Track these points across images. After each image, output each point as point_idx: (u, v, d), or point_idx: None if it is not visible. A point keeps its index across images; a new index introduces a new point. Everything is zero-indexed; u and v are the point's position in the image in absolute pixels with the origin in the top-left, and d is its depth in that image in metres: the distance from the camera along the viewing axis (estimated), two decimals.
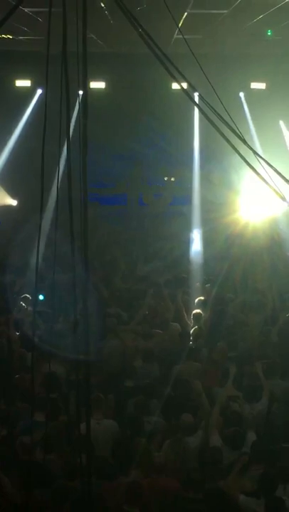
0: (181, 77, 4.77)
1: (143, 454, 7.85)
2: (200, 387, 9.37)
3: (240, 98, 23.72)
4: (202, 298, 13.12)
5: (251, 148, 4.95)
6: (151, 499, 7.29)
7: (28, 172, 19.58)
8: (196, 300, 13.07)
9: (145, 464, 7.74)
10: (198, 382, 9.54)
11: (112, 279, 14.75)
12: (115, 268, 15.75)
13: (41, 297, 10.60)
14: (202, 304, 12.85)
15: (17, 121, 23.57)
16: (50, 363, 7.85)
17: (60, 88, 3.92)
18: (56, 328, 10.18)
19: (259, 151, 18.08)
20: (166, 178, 26.37)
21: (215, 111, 5.10)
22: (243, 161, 4.85)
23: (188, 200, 24.28)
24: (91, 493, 4.27)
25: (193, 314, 12.40)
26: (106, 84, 22.60)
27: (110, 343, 11.23)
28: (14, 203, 23.42)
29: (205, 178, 24.54)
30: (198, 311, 12.47)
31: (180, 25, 13.79)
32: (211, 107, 5.07)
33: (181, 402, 9.29)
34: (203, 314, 12.39)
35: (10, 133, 23.64)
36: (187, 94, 5.04)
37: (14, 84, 22.72)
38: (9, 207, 23.09)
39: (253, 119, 23.54)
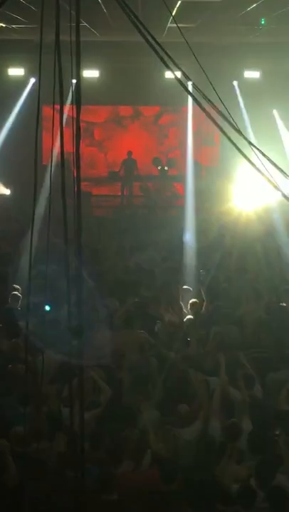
0: (174, 65, 4.75)
1: (136, 445, 7.87)
2: (199, 377, 9.37)
3: (233, 87, 23.72)
4: (195, 287, 13.09)
5: (245, 138, 4.93)
6: (132, 490, 7.29)
7: (21, 161, 19.55)
8: (191, 289, 13.04)
9: (138, 456, 7.76)
10: (196, 371, 9.55)
11: (104, 270, 14.71)
12: (107, 258, 15.73)
13: (47, 308, 10.47)
14: (197, 294, 12.84)
15: (10, 109, 23.53)
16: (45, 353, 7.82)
17: (54, 77, 3.89)
18: (48, 319, 10.13)
19: (252, 139, 18.06)
20: (159, 167, 26.38)
21: (208, 100, 5.09)
22: (236, 149, 4.83)
23: (181, 189, 24.35)
24: (84, 484, 4.26)
25: (190, 304, 12.40)
26: (100, 73, 22.56)
27: (102, 334, 11.18)
28: (7, 192, 23.38)
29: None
30: (194, 300, 12.47)
31: (174, 13, 13.74)
32: (205, 95, 5.05)
33: (177, 392, 9.29)
34: (199, 303, 12.39)
35: (3, 122, 23.60)
36: (180, 83, 5.02)
37: (7, 72, 22.65)
38: (2, 196, 23.05)
39: (246, 107, 23.57)
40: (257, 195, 17.69)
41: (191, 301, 12.45)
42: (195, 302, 12.43)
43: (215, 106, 5.15)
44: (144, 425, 8.31)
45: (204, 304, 12.39)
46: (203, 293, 12.66)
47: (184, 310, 12.45)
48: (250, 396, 9.18)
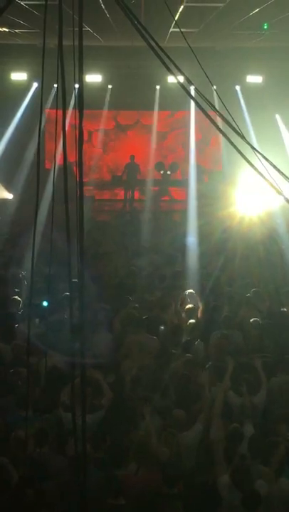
0: (176, 70, 4.75)
1: (138, 448, 7.87)
2: (203, 380, 9.37)
3: (236, 91, 23.77)
4: (192, 291, 13.02)
5: (248, 142, 4.93)
6: (134, 493, 7.29)
7: (24, 165, 19.59)
8: (188, 294, 12.96)
9: (142, 458, 7.76)
10: (201, 374, 9.55)
11: (106, 273, 14.73)
12: (109, 262, 15.73)
13: (45, 303, 10.56)
14: (195, 298, 12.81)
15: (13, 114, 23.60)
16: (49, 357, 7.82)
17: (57, 81, 3.90)
18: (51, 321, 10.15)
19: (255, 144, 18.10)
20: (162, 172, 26.41)
21: (211, 104, 5.09)
22: (239, 154, 4.84)
23: (182, 193, 24.39)
24: (86, 487, 4.26)
25: (186, 310, 12.32)
26: (102, 78, 22.62)
27: (102, 336, 11.18)
28: (10, 196, 23.42)
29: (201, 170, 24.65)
30: (189, 306, 12.41)
31: (176, 18, 13.76)
32: (207, 100, 5.05)
33: (180, 396, 9.30)
34: (195, 308, 12.34)
35: (5, 126, 23.67)
36: (183, 87, 5.02)
37: (10, 77, 22.73)
38: (5, 200, 23.08)
39: (249, 112, 23.62)
40: (260, 200, 17.70)
41: (187, 307, 12.39)
42: (191, 308, 12.37)
43: (217, 110, 5.16)
44: (146, 428, 8.30)
45: (200, 309, 12.38)
46: (199, 299, 12.65)
47: (185, 314, 12.42)
48: (253, 401, 9.18)
